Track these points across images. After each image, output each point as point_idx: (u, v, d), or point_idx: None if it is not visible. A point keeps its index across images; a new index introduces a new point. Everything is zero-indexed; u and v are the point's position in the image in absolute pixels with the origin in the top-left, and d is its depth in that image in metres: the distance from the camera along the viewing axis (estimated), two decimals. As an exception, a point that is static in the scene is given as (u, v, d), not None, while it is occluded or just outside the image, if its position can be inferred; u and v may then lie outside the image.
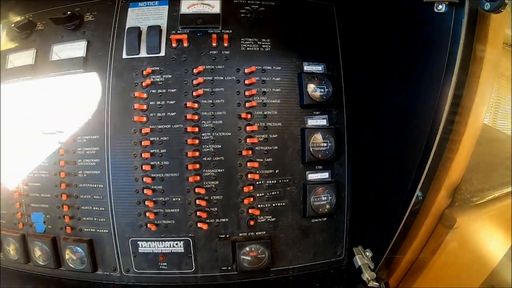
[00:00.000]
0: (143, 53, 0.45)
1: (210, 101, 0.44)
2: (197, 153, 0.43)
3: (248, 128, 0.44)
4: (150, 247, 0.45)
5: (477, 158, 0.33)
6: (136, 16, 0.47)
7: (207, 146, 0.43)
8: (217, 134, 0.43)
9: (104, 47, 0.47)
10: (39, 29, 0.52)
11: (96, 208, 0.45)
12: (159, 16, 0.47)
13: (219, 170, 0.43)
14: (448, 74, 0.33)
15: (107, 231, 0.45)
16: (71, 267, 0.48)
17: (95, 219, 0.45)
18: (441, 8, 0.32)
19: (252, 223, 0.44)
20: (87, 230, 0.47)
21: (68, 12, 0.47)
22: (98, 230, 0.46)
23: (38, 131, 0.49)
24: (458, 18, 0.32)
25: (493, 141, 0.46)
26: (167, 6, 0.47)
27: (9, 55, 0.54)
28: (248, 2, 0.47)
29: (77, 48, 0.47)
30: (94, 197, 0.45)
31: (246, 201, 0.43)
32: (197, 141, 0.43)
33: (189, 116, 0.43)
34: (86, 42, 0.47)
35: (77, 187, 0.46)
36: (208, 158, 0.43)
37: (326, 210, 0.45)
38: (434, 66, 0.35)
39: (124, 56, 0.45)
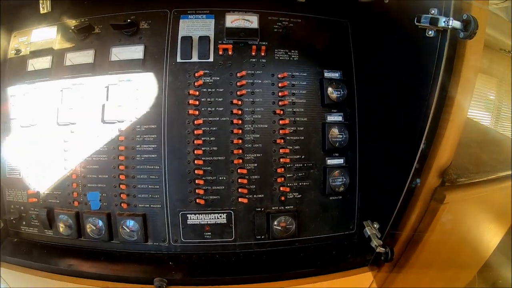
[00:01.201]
0: (195, 58, 0.58)
1: (251, 100, 0.57)
2: (240, 141, 0.56)
3: (281, 122, 0.58)
4: (197, 219, 0.57)
5: (463, 147, 0.47)
6: (188, 27, 0.60)
7: (248, 135, 0.57)
8: (257, 126, 0.57)
9: (160, 52, 0.59)
10: (96, 32, 0.64)
11: (152, 187, 0.57)
12: (207, 28, 0.60)
13: (257, 155, 0.57)
14: (435, 79, 0.48)
15: (160, 206, 0.57)
16: (124, 239, 0.59)
17: (150, 196, 0.58)
18: (431, 33, 0.48)
19: (282, 198, 0.57)
20: (142, 206, 0.58)
21: (128, 20, 0.59)
22: (151, 206, 0.58)
23: (98, 120, 0.61)
24: (443, 41, 0.47)
25: (478, 133, 0.61)
26: (213, 20, 0.60)
27: (67, 54, 0.65)
28: (280, 19, 0.61)
29: (135, 51, 0.60)
30: (150, 177, 0.57)
31: (278, 180, 0.57)
32: (240, 131, 0.57)
33: (234, 111, 0.57)
34: (144, 47, 0.59)
35: (134, 169, 0.58)
36: (249, 145, 0.57)
37: (341, 189, 0.60)
38: (425, 73, 0.51)
39: (179, 60, 0.58)
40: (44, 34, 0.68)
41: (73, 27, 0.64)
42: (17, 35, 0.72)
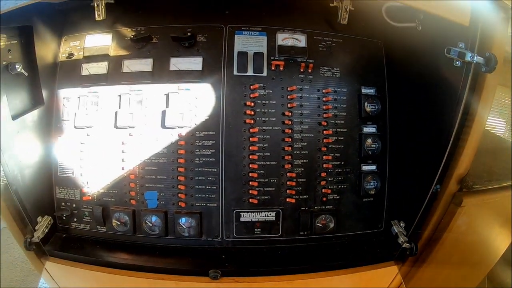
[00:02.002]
0: (250, 72, 0.67)
1: (300, 112, 0.67)
2: (290, 148, 0.66)
3: (324, 132, 0.68)
4: (249, 217, 0.66)
5: (478, 157, 0.59)
6: (242, 43, 0.68)
7: (297, 143, 0.67)
8: (304, 135, 0.67)
9: (217, 64, 0.67)
10: (154, 42, 0.70)
11: (209, 187, 0.66)
12: (260, 44, 0.68)
13: (304, 161, 0.67)
14: (459, 99, 0.59)
15: (216, 205, 0.66)
16: (180, 235, 0.67)
17: (207, 195, 0.66)
18: (458, 63, 0.59)
19: (324, 199, 0.68)
20: (198, 204, 0.67)
21: (189, 34, 0.66)
22: (208, 204, 0.66)
23: (158, 125, 0.68)
24: (468, 70, 0.58)
25: (492, 144, 0.74)
26: (265, 37, 0.69)
27: (124, 61, 0.71)
28: (324, 39, 0.71)
29: (194, 63, 0.67)
30: (208, 178, 0.66)
31: (321, 183, 0.67)
32: (290, 139, 0.66)
33: (285, 122, 0.66)
34: (202, 59, 0.67)
35: (193, 171, 0.66)
36: (297, 152, 0.66)
37: (373, 192, 0.71)
38: (449, 93, 0.62)
39: (235, 73, 0.67)
40: (99, 40, 0.74)
41: (132, 36, 0.71)
42: (68, 39, 0.77)
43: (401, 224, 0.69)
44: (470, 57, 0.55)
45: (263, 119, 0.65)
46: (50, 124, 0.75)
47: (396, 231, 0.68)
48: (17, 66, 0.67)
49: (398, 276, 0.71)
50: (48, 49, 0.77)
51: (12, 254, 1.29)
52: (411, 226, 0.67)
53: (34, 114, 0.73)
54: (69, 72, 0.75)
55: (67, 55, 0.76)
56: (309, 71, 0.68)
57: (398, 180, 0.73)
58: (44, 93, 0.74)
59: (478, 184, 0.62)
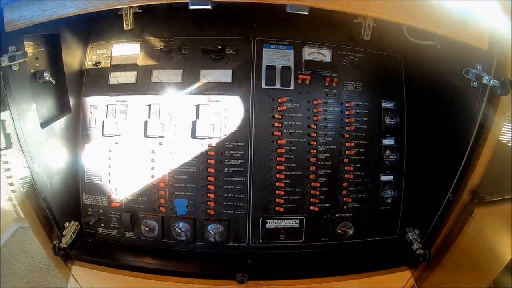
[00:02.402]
0: (278, 85, 0.71)
1: (324, 124, 0.71)
2: (314, 159, 0.71)
3: (347, 144, 0.73)
4: (275, 223, 0.71)
5: (489, 170, 0.65)
6: (270, 56, 0.72)
7: (321, 155, 0.71)
8: (329, 147, 0.72)
9: (245, 77, 0.71)
10: (183, 53, 0.73)
11: (237, 196, 0.70)
12: (287, 58, 0.72)
13: (327, 171, 0.72)
14: (475, 117, 0.65)
15: (243, 212, 0.70)
16: (208, 241, 0.71)
17: (235, 203, 0.70)
18: (475, 84, 0.65)
19: (345, 207, 0.73)
20: (227, 212, 0.71)
21: (219, 47, 0.69)
22: (235, 212, 0.71)
23: (188, 135, 0.71)
24: (484, 90, 0.63)
25: (502, 159, 0.80)
26: (292, 51, 0.73)
27: (153, 71, 0.73)
28: (347, 53, 0.75)
29: (224, 75, 0.71)
30: (237, 187, 0.70)
31: (343, 192, 0.72)
32: (315, 151, 0.71)
33: (311, 134, 0.71)
34: (231, 71, 0.70)
35: (222, 180, 0.70)
36: (321, 163, 0.71)
37: (389, 201, 0.77)
38: (465, 110, 0.67)
39: (263, 86, 0.71)
40: (127, 50, 0.76)
41: (162, 47, 0.73)
42: (94, 47, 0.79)
43: (416, 231, 0.76)
44: (486, 80, 0.61)
45: (290, 131, 0.70)
46: (77, 131, 0.78)
47: (411, 238, 0.74)
48: (45, 74, 0.70)
49: (411, 279, 0.78)
50: (74, 56, 0.79)
51: (29, 255, 1.30)
52: (425, 233, 0.73)
53: (61, 122, 0.75)
54: (96, 80, 0.78)
55: (93, 63, 0.78)
56: (334, 85, 0.73)
57: (413, 189, 0.79)
58: (71, 101, 0.77)
59: (489, 195, 0.68)
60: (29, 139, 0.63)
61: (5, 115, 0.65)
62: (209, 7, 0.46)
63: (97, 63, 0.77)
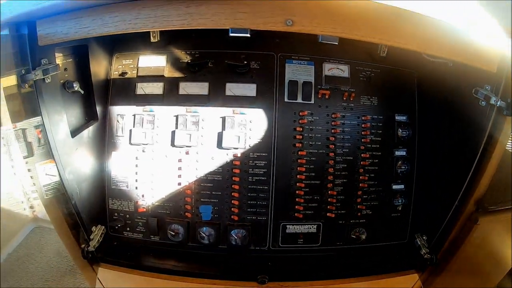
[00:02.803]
0: (299, 99, 0.76)
1: (342, 137, 0.77)
2: (332, 169, 0.77)
3: (362, 155, 0.79)
4: (294, 229, 0.77)
5: (494, 181, 0.72)
6: (292, 71, 0.77)
7: (338, 165, 0.77)
8: (345, 157, 0.77)
9: (269, 91, 0.76)
10: (209, 66, 0.77)
11: (260, 203, 0.76)
12: (308, 73, 0.77)
13: (344, 180, 0.78)
14: (482, 133, 0.71)
15: (265, 218, 0.76)
16: (231, 244, 0.76)
17: (258, 210, 0.76)
18: (483, 103, 0.71)
19: (359, 214, 0.79)
20: (249, 217, 0.76)
21: (245, 62, 0.73)
22: (258, 218, 0.76)
23: (214, 145, 0.77)
24: (492, 109, 0.69)
25: (505, 172, 0.87)
26: (313, 66, 0.78)
27: (180, 83, 0.77)
28: (364, 69, 0.80)
29: (248, 89, 0.75)
30: (260, 195, 0.76)
31: (357, 200, 0.79)
32: (332, 162, 0.76)
33: (329, 146, 0.76)
34: (256, 85, 0.74)
35: (246, 188, 0.75)
36: (338, 173, 0.77)
37: (400, 208, 0.83)
38: (473, 124, 0.73)
39: (286, 100, 0.76)
40: (153, 61, 0.80)
41: (189, 61, 0.77)
42: (120, 57, 0.83)
43: (424, 237, 0.83)
44: (494, 101, 0.67)
45: (310, 143, 0.75)
46: (103, 139, 0.82)
47: (419, 243, 0.81)
48: (74, 85, 0.73)
49: (418, 282, 0.85)
50: (100, 66, 0.82)
51: (46, 254, 1.34)
52: (432, 239, 0.80)
53: (89, 130, 0.79)
54: (123, 90, 0.82)
55: (120, 72, 0.82)
56: (351, 99, 0.78)
57: (423, 198, 0.86)
58: (97, 110, 0.81)
59: (493, 205, 0.75)
60: (60, 148, 0.68)
61: (26, 123, 0.69)
62: (248, 35, 0.50)
63: (124, 73, 0.81)
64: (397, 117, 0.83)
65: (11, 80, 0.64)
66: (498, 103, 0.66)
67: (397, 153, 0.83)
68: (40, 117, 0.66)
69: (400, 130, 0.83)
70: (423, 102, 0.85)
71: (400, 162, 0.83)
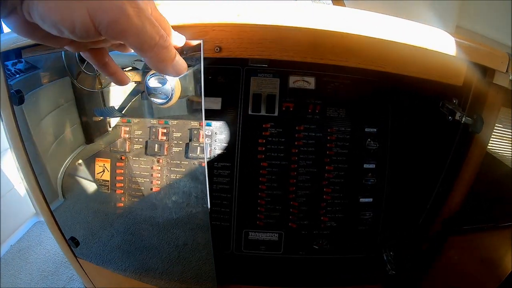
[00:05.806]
0: (263, 112, 0.83)
1: (305, 149, 0.83)
2: (294, 181, 0.84)
3: (327, 167, 0.84)
4: (256, 236, 0.86)
5: (468, 201, 0.74)
6: (257, 84, 0.84)
7: (301, 177, 0.84)
8: (308, 169, 0.84)
9: (234, 104, 0.84)
10: None
11: (223, 209, 0.85)
12: (273, 86, 0.84)
13: (306, 192, 0.84)
14: (452, 149, 0.73)
15: (228, 224, 0.86)
16: None
17: (221, 216, 0.86)
18: (450, 118, 0.72)
19: (322, 225, 0.86)
20: (213, 223, 0.86)
21: (210, 77, 0.83)
22: (221, 223, 0.86)
23: (182, 155, 0.87)
24: (458, 125, 0.72)
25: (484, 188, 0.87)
26: (278, 79, 0.84)
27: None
28: (332, 80, 0.85)
29: (214, 102, 0.84)
30: (223, 202, 0.85)
31: (321, 212, 0.85)
32: (295, 173, 0.83)
33: (292, 158, 0.83)
34: (221, 99, 0.84)
35: (210, 195, 0.85)
36: (301, 184, 0.84)
37: (368, 222, 0.88)
38: (445, 143, 0.76)
39: (250, 112, 0.84)
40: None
41: (161, 75, 0.89)
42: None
43: (391, 253, 0.86)
44: (459, 116, 0.68)
45: (272, 154, 0.83)
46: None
47: (386, 259, 0.86)
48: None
49: (383, 297, 0.90)
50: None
51: (44, 247, 1.63)
52: (399, 255, 0.84)
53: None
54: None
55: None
56: (316, 112, 0.84)
57: (392, 213, 0.89)
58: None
59: (466, 224, 0.77)
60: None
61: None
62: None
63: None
64: (367, 129, 0.87)
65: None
66: (463, 119, 0.67)
67: (366, 165, 0.87)
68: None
69: (370, 143, 0.86)
70: (395, 114, 0.88)
71: (370, 174, 0.88)
